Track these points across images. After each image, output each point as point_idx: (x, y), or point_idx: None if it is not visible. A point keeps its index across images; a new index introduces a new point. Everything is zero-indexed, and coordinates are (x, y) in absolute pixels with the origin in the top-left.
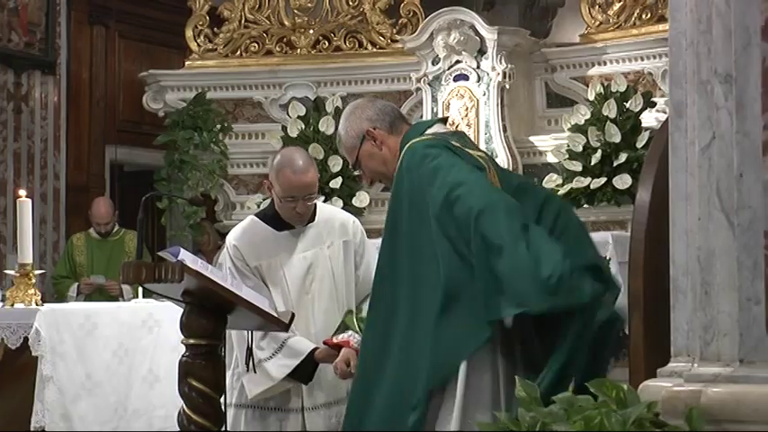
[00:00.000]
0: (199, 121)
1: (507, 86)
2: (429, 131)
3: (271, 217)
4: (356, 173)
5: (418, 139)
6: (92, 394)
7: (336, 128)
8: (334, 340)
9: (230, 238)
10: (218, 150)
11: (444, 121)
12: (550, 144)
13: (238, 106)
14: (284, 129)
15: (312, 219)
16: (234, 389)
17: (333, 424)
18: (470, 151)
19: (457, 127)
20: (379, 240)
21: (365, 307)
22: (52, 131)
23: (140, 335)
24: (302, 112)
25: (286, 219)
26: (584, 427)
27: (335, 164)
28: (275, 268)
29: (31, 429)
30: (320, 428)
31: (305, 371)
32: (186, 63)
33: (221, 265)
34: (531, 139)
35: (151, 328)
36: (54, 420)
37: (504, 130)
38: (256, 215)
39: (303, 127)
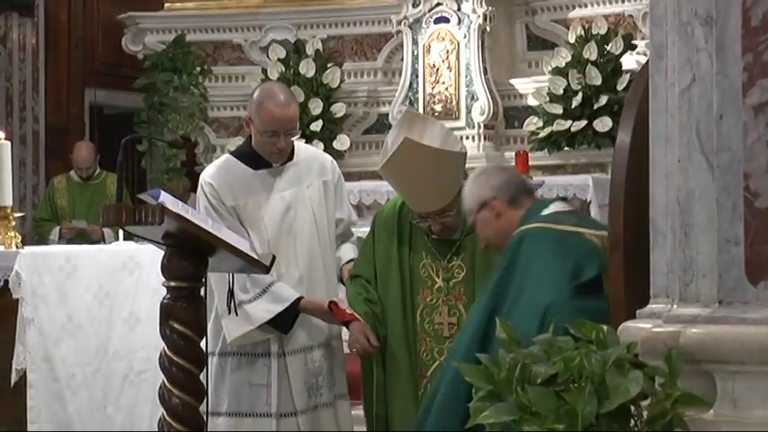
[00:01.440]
0: (178, 64)
1: (488, 29)
2: (547, 212)
3: (247, 155)
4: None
5: (533, 226)
6: (73, 336)
7: (316, 70)
8: (346, 311)
9: (205, 176)
10: (198, 93)
11: (564, 199)
12: (531, 87)
13: (218, 49)
14: (264, 71)
15: (291, 158)
16: (216, 337)
17: (312, 369)
18: (586, 230)
19: (437, 70)
20: (357, 184)
21: (343, 248)
22: (30, 73)
23: (121, 277)
24: (282, 54)
25: (265, 155)
26: (564, 367)
27: (316, 106)
28: (253, 208)
29: (13, 371)
30: (299, 372)
31: (286, 319)
32: (165, 5)
33: (197, 205)
34: (512, 81)
35: (132, 270)
36: (35, 362)
37: (485, 73)
38: (232, 153)
39: (283, 70)
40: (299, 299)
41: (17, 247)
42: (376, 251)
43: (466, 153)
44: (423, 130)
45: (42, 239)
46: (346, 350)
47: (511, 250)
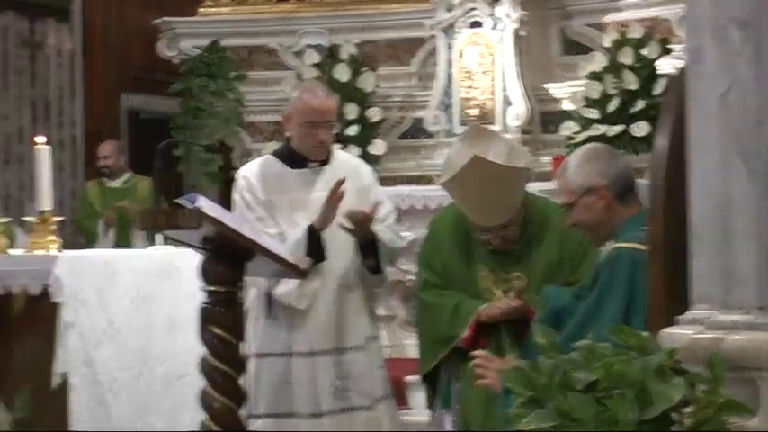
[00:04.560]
0: (214, 69)
1: (523, 33)
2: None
3: (286, 154)
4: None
5: (630, 245)
6: (114, 340)
7: (351, 75)
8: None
9: (241, 171)
10: (234, 98)
11: None
12: (567, 91)
13: (253, 54)
14: (299, 76)
15: (327, 161)
16: (254, 339)
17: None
18: None
19: (472, 75)
20: (393, 189)
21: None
22: (68, 79)
23: (159, 281)
24: (317, 59)
25: (305, 151)
26: (604, 373)
27: (351, 111)
28: (286, 206)
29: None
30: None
31: (315, 247)
32: (200, 10)
33: (232, 200)
34: (547, 86)
35: (170, 274)
36: (77, 366)
37: (520, 78)
38: (272, 153)
39: (318, 74)
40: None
41: (57, 251)
42: (434, 262)
43: (530, 168)
44: (488, 145)
45: (90, 236)
46: (387, 353)
47: (615, 270)
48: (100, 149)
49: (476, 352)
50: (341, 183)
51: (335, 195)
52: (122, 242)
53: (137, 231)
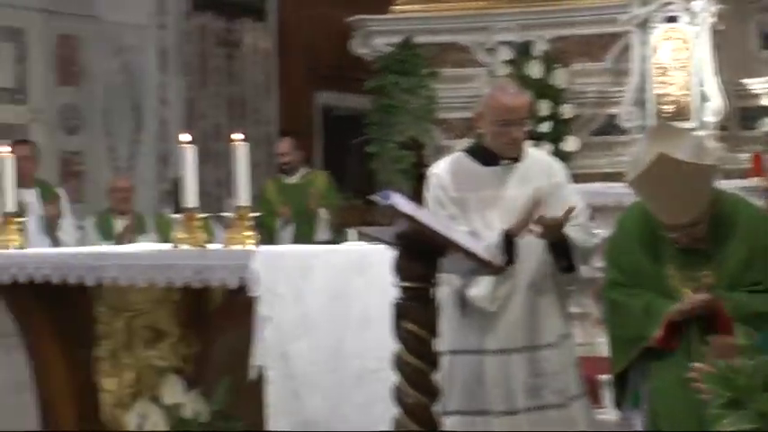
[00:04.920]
0: (406, 66)
1: (720, 28)
2: None
3: (477, 152)
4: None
5: None
6: (308, 335)
7: (544, 72)
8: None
9: (433, 169)
10: (426, 95)
11: None
12: (765, 87)
13: (445, 51)
14: (491, 73)
15: (518, 158)
16: (446, 336)
17: (535, 368)
18: None
19: (667, 70)
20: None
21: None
22: (263, 77)
23: (353, 277)
24: (509, 56)
25: (497, 149)
26: None
27: (544, 108)
28: (477, 204)
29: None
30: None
31: (508, 252)
32: (392, 8)
33: (423, 197)
34: (745, 81)
35: (364, 270)
36: (273, 359)
37: (718, 73)
38: (463, 150)
39: (510, 71)
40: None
41: (254, 246)
42: (621, 261)
43: (717, 165)
44: (675, 142)
45: (269, 231)
46: (579, 352)
47: None
48: (279, 146)
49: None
50: (541, 197)
51: (536, 207)
52: (303, 238)
53: (319, 226)
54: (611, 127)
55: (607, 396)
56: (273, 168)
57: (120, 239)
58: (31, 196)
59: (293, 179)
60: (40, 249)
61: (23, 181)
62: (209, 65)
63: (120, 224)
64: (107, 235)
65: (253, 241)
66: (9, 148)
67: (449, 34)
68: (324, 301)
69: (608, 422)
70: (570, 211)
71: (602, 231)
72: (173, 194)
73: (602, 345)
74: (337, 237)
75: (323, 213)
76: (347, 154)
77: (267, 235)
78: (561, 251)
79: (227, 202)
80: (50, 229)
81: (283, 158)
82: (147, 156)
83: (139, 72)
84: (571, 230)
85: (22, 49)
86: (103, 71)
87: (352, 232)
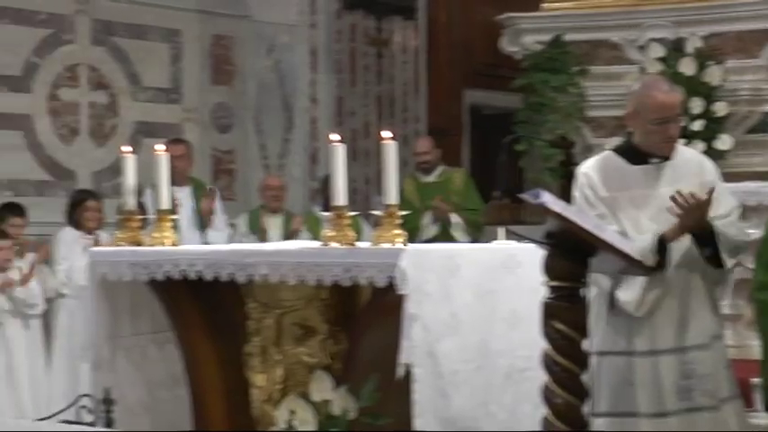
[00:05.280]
0: (556, 64)
1: None
2: None
3: (627, 150)
4: None
5: None
6: (455, 333)
7: (697, 69)
8: None
9: (581, 167)
10: (576, 93)
11: None
12: None
13: (595, 48)
14: (642, 70)
15: (669, 157)
16: (596, 336)
17: (685, 370)
18: None
19: None
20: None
21: None
22: (412, 75)
23: (501, 276)
24: (661, 53)
25: (650, 147)
26: None
27: (696, 106)
28: (628, 202)
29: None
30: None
31: (661, 257)
32: (542, 5)
33: (572, 196)
34: None
35: (512, 269)
36: (420, 357)
37: None
38: (611, 149)
39: (662, 68)
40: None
41: (403, 244)
42: None
43: None
44: None
45: (414, 229)
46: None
47: None
48: (418, 145)
49: None
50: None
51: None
52: (442, 236)
53: (457, 225)
54: (765, 125)
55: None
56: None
57: (288, 237)
58: (185, 194)
59: (431, 178)
60: (193, 246)
61: (177, 179)
62: (358, 63)
63: (271, 222)
64: (259, 232)
65: (401, 239)
66: (164, 147)
67: (599, 31)
68: (471, 299)
69: (762, 426)
70: (711, 191)
71: (755, 231)
72: (322, 192)
73: (755, 347)
74: (441, 234)
75: (454, 217)
76: (496, 152)
77: (409, 234)
78: (705, 240)
79: (374, 199)
80: (203, 226)
81: (424, 157)
82: (296, 154)
83: (290, 71)
84: (720, 223)
85: (178, 50)
86: (255, 70)
87: (501, 231)
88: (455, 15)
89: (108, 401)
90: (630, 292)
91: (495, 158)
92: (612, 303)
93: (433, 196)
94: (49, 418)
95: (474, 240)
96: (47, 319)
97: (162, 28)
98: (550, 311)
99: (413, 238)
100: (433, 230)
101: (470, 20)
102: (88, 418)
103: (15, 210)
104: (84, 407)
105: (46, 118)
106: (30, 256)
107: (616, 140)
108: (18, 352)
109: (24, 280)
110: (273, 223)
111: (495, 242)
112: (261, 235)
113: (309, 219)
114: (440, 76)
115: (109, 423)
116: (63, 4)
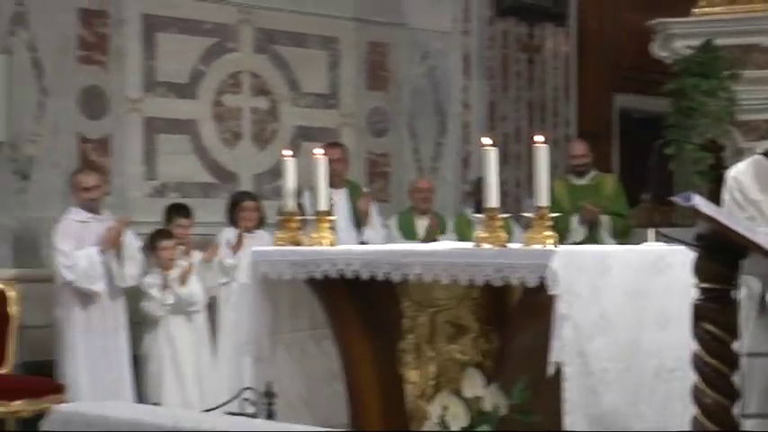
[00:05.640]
0: (706, 68)
1: None
2: None
3: None
4: None
5: None
6: (605, 333)
7: None
8: None
9: (732, 171)
10: (726, 97)
11: None
12: None
13: (746, 52)
14: None
15: None
16: (745, 337)
17: None
18: None
19: None
20: None
21: None
22: (563, 81)
23: (651, 277)
24: None
25: None
26: None
27: None
28: None
29: (550, 364)
30: None
31: None
32: (693, 10)
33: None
34: None
35: (662, 270)
36: (570, 356)
37: None
38: (761, 152)
39: None
40: None
41: (554, 245)
42: None
43: None
44: None
45: (563, 231)
46: None
47: None
48: (575, 148)
49: None
50: None
51: None
52: (590, 239)
53: (604, 229)
54: None
55: None
56: (561, 170)
57: (425, 239)
58: (341, 196)
59: (583, 181)
60: (350, 246)
61: (334, 181)
62: (510, 69)
63: (420, 223)
64: (409, 233)
65: (552, 241)
66: (322, 151)
67: (751, 36)
68: (621, 300)
69: None
70: None
71: None
72: (473, 195)
73: None
74: (589, 237)
75: (605, 219)
76: (645, 156)
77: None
78: None
79: (525, 202)
80: (359, 225)
81: (581, 160)
82: (449, 157)
83: (444, 76)
84: None
85: (336, 57)
86: (410, 76)
87: (650, 233)
88: (606, 21)
89: (269, 394)
90: None
91: (644, 162)
92: (763, 305)
93: (584, 199)
94: (214, 409)
95: (621, 244)
96: (212, 314)
97: (320, 36)
98: (701, 313)
99: (561, 240)
100: (581, 233)
101: (620, 25)
102: (251, 410)
103: (182, 211)
104: (246, 399)
105: (211, 123)
106: (195, 255)
107: (766, 144)
108: (182, 347)
109: (183, 278)
110: (421, 224)
111: (644, 244)
112: (423, 239)
113: (460, 220)
114: (590, 80)
115: (270, 415)
116: (227, 14)
